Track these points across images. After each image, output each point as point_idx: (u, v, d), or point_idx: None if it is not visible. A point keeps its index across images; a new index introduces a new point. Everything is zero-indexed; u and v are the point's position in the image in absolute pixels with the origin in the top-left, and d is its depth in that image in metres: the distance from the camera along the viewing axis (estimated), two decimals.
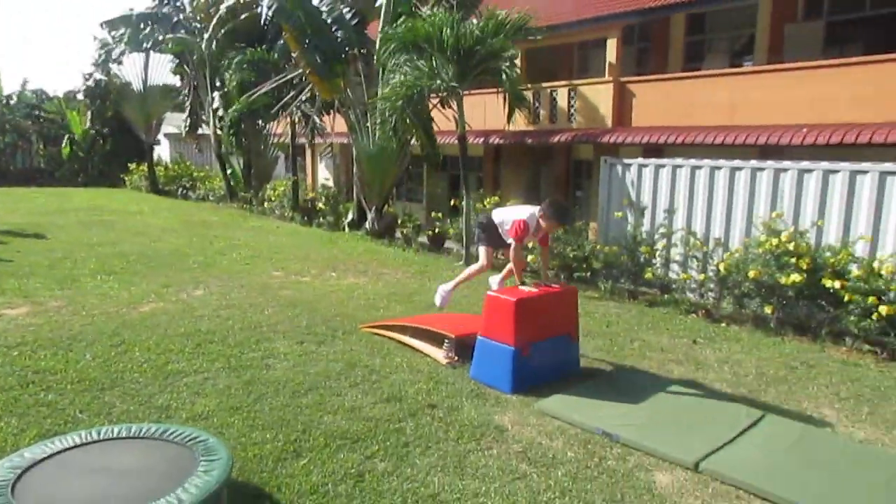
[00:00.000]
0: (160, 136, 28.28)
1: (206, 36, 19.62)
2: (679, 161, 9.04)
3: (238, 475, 3.72)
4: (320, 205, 17.07)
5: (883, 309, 6.46)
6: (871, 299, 6.60)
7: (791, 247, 7.34)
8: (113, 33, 22.91)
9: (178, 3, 22.96)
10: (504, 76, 11.32)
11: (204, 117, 23.05)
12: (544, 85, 15.19)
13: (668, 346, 6.76)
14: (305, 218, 17.01)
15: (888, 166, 7.11)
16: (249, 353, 5.98)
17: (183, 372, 5.44)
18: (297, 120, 18.13)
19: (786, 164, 8.00)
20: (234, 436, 4.24)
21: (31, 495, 3.05)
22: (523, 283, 5.67)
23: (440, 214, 13.85)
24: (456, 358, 5.84)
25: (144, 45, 22.68)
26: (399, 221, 14.63)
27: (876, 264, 6.85)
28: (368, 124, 14.26)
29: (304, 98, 16.76)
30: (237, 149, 20.23)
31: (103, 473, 3.27)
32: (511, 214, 5.63)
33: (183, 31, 21.89)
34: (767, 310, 7.55)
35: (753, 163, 8.33)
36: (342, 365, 5.73)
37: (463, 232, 11.75)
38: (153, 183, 25.79)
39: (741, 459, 4.07)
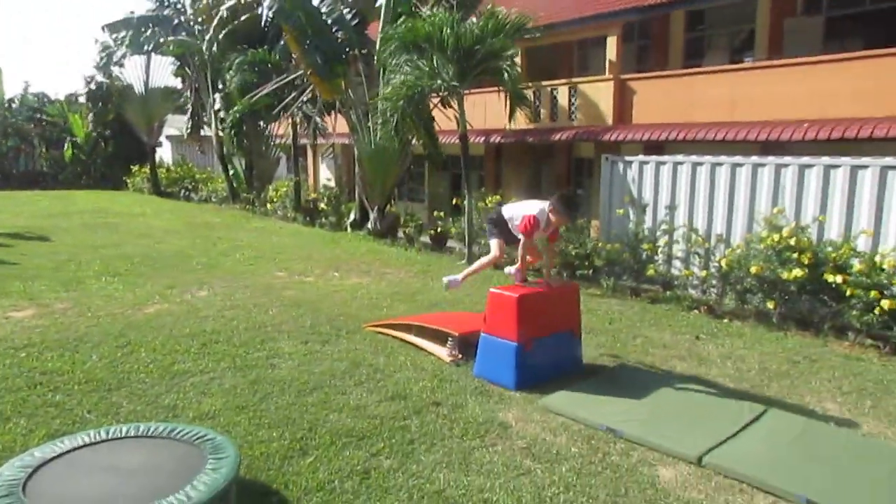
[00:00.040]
0: (162, 139, 28.35)
1: (207, 38, 19.66)
2: (680, 158, 9.06)
3: (245, 473, 3.76)
4: (322, 205, 17.12)
5: (885, 303, 6.48)
6: (873, 293, 6.63)
7: (793, 242, 7.36)
8: (114, 36, 22.96)
9: (178, 6, 23.02)
10: (505, 75, 11.35)
11: (205, 119, 23.12)
12: (545, 83, 15.22)
13: (670, 343, 6.78)
14: (308, 218, 17.06)
15: (889, 161, 7.13)
16: (254, 353, 6.02)
17: (189, 372, 5.48)
18: (298, 121, 18.17)
19: (787, 159, 8.02)
20: (240, 434, 4.28)
21: (41, 494, 3.10)
22: (525, 281, 5.70)
23: (442, 214, 13.89)
24: (459, 356, 5.87)
25: (146, 47, 22.73)
26: (401, 221, 14.67)
27: (878, 258, 6.86)
28: (370, 124, 14.30)
29: (305, 99, 16.80)
30: (239, 150, 20.29)
31: (112, 472, 3.31)
32: (520, 209, 5.56)
33: (184, 34, 21.93)
34: (770, 305, 7.57)
35: (754, 158, 8.35)
36: (347, 364, 5.77)
37: (465, 231, 11.77)
38: (155, 185, 25.87)
39: (744, 453, 4.10)
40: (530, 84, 14.48)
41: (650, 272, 8.90)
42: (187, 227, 15.46)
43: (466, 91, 11.94)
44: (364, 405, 4.84)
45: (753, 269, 7.59)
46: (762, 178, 8.13)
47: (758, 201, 8.17)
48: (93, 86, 28.38)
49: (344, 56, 14.96)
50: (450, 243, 13.34)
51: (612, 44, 14.13)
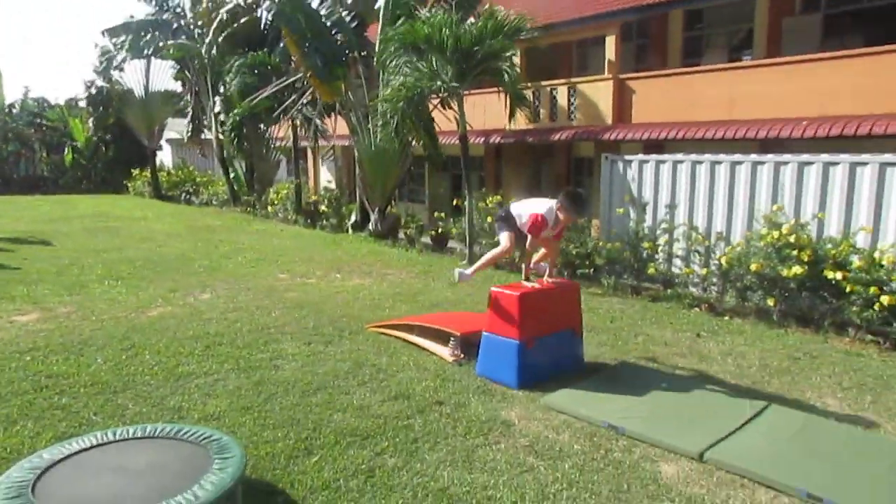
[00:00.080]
0: (162, 142, 28.43)
1: (206, 41, 19.72)
2: (679, 156, 9.10)
3: (251, 473, 3.79)
4: (323, 207, 17.16)
5: (885, 299, 6.51)
6: (872, 290, 6.66)
7: (792, 239, 7.39)
8: (114, 40, 23.04)
9: (178, 10, 23.09)
10: (505, 76, 11.38)
11: (206, 122, 23.17)
12: (544, 83, 15.26)
13: (671, 340, 6.82)
14: (309, 220, 17.11)
15: (888, 157, 7.16)
16: (258, 355, 6.06)
17: (193, 374, 5.52)
18: (298, 123, 18.23)
19: (786, 157, 8.05)
20: (245, 435, 4.32)
21: (50, 495, 3.13)
22: (527, 280, 5.74)
23: (443, 214, 13.93)
24: (462, 355, 5.90)
25: (145, 51, 22.80)
26: (402, 222, 14.71)
27: (877, 255, 6.89)
28: (370, 126, 14.35)
29: (305, 101, 16.85)
30: (239, 153, 20.34)
31: (120, 473, 3.34)
32: (528, 207, 5.48)
33: (184, 37, 21.99)
34: (770, 302, 7.60)
35: (754, 156, 8.39)
36: (350, 364, 5.80)
37: (466, 232, 11.81)
38: (156, 188, 25.94)
39: (745, 449, 4.13)
40: (529, 84, 14.52)
41: (651, 271, 8.94)
42: (189, 231, 15.50)
43: (466, 92, 11.98)
44: (368, 405, 4.88)
45: (753, 267, 7.62)
46: (761, 176, 8.16)
47: (757, 199, 8.20)
48: (93, 90, 28.45)
49: (343, 58, 15.02)
50: (451, 244, 13.38)
51: (610, 43, 14.18)
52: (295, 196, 18.21)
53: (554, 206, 5.35)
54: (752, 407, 4.82)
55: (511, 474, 3.87)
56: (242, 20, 19.14)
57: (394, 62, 12.34)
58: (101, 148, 30.23)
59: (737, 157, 8.49)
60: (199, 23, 21.33)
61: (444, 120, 13.61)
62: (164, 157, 32.59)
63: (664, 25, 15.16)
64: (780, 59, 11.89)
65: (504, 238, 5.55)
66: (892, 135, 9.36)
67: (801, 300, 7.49)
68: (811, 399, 5.18)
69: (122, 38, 22.63)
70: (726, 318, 7.81)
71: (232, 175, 22.10)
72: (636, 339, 6.86)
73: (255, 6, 19.57)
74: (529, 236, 5.46)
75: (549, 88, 15.26)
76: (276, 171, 21.78)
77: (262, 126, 19.87)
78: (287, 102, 17.09)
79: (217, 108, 21.07)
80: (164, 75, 24.69)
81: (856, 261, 6.98)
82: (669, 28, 15.13)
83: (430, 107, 13.20)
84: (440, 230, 13.48)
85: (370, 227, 14.88)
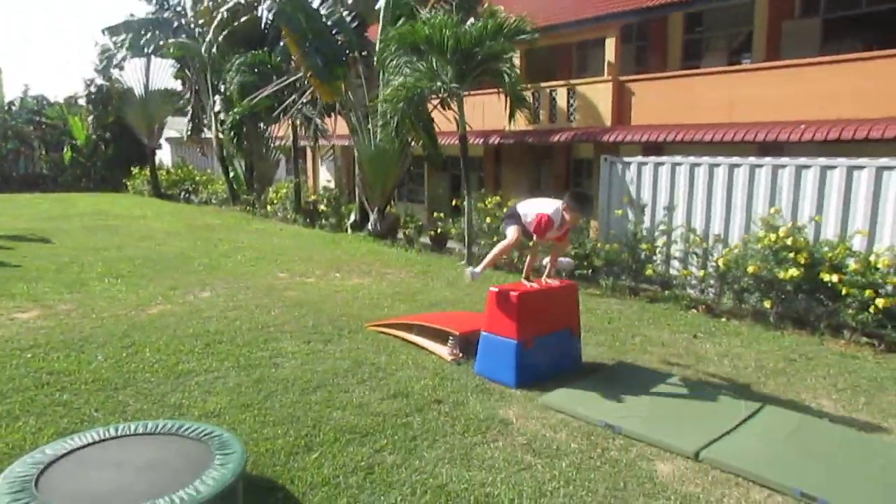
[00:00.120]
0: (162, 141, 28.45)
1: (207, 39, 19.75)
2: (678, 159, 9.15)
3: (252, 469, 3.83)
4: (322, 207, 17.20)
5: (880, 302, 6.58)
6: (868, 292, 6.71)
7: (789, 242, 7.45)
8: (114, 39, 23.05)
9: (178, 9, 23.11)
10: (505, 78, 11.43)
11: (206, 121, 23.20)
12: (543, 85, 15.30)
13: (668, 341, 6.86)
14: (308, 220, 17.15)
15: (885, 161, 7.21)
16: (258, 353, 6.09)
17: (193, 371, 5.56)
18: (298, 123, 18.27)
19: (784, 160, 8.10)
20: (246, 432, 4.35)
21: (54, 489, 3.16)
22: (528, 279, 5.77)
23: (442, 215, 13.97)
24: (460, 354, 5.95)
25: (146, 50, 22.82)
26: (401, 222, 14.76)
27: (873, 258, 6.96)
28: (370, 126, 14.39)
29: (305, 101, 16.88)
30: (239, 152, 20.37)
31: (122, 468, 3.38)
32: (534, 207, 5.49)
33: (184, 36, 22.02)
34: (767, 304, 7.66)
35: (752, 159, 8.44)
36: (349, 363, 5.84)
37: (465, 232, 11.85)
38: (155, 187, 25.95)
39: (740, 448, 4.18)
40: (529, 85, 14.57)
41: (649, 272, 8.99)
42: (188, 229, 15.53)
43: (466, 93, 12.03)
44: (367, 403, 4.92)
45: (750, 269, 7.67)
46: (759, 179, 8.21)
47: (755, 202, 8.25)
48: (93, 89, 28.47)
49: (344, 58, 15.06)
50: (450, 244, 13.42)
51: (610, 45, 14.22)
52: (294, 195, 18.24)
53: (560, 207, 5.36)
54: (748, 407, 4.86)
55: (509, 472, 3.91)
56: (243, 19, 19.16)
57: (394, 62, 12.38)
58: (101, 146, 30.22)
59: (735, 159, 8.54)
60: (200, 21, 21.34)
61: (443, 120, 13.65)
62: (164, 155, 32.61)
63: (664, 28, 15.21)
64: (780, 62, 11.95)
65: (510, 231, 5.54)
66: (890, 139, 9.41)
67: (797, 302, 7.54)
68: (806, 400, 5.23)
69: (123, 36, 22.64)
70: (723, 319, 7.86)
71: (231, 174, 22.13)
72: (634, 339, 6.91)
73: (255, 5, 19.60)
74: (535, 236, 5.47)
75: (548, 90, 15.30)
76: (275, 171, 21.81)
77: (261, 125, 19.91)
78: (287, 102, 17.13)
79: (217, 107, 21.10)
80: (164, 74, 24.77)
81: (852, 264, 7.03)
82: (669, 30, 15.18)
83: (430, 107, 13.24)
84: (439, 230, 13.52)
85: (369, 226, 14.92)
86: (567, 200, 5.34)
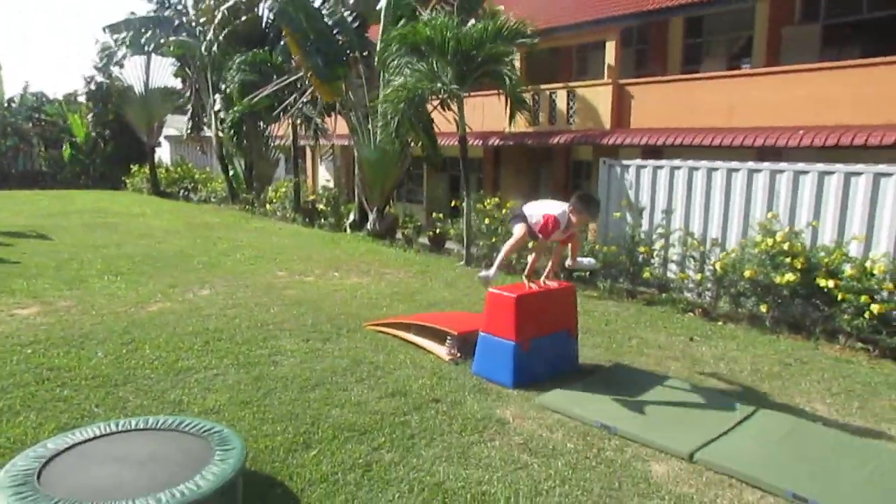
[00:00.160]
0: (161, 139, 28.47)
1: (208, 38, 19.78)
2: (677, 162, 9.20)
3: (251, 465, 3.87)
4: (321, 206, 17.23)
5: (875, 307, 6.62)
6: (863, 298, 6.76)
7: (786, 247, 7.49)
8: (115, 37, 23.07)
9: (179, 7, 23.14)
10: (506, 80, 11.47)
11: (206, 119, 23.23)
12: (543, 87, 15.36)
13: (665, 344, 6.91)
14: (307, 219, 17.18)
15: (882, 168, 7.27)
16: (257, 351, 6.13)
17: (193, 368, 5.59)
18: (298, 122, 18.30)
19: (782, 165, 8.15)
20: (245, 428, 4.39)
21: (55, 483, 3.20)
22: (528, 280, 5.80)
23: (440, 215, 14.01)
24: (458, 354, 5.99)
25: (146, 48, 22.85)
26: (400, 222, 14.79)
27: (868, 263, 7.01)
28: (370, 126, 14.42)
29: (305, 100, 16.92)
30: (239, 150, 20.40)
31: (124, 462, 3.42)
32: (541, 208, 5.46)
33: (184, 34, 22.05)
34: (763, 308, 7.71)
35: (750, 164, 8.49)
36: (347, 361, 5.88)
37: (464, 232, 11.90)
38: (155, 185, 25.96)
39: (734, 450, 4.22)
40: (529, 88, 14.62)
41: (646, 275, 9.04)
42: (187, 228, 15.56)
43: (465, 94, 12.07)
44: (365, 401, 4.96)
45: (747, 273, 7.72)
46: (757, 184, 8.27)
47: (753, 206, 8.31)
48: (92, 86, 28.49)
49: (344, 58, 15.10)
50: (448, 244, 13.46)
51: (610, 48, 14.28)
52: (293, 195, 18.27)
53: (567, 210, 5.33)
54: (742, 410, 4.91)
55: (505, 471, 3.95)
56: (243, 18, 19.20)
57: (395, 62, 12.41)
58: (100, 144, 30.22)
59: (733, 164, 8.59)
60: (202, 20, 21.37)
61: (442, 121, 13.70)
62: (163, 153, 32.59)
63: (664, 32, 15.28)
64: (780, 67, 12.01)
65: (517, 228, 5.46)
66: (888, 145, 9.47)
67: (793, 307, 7.59)
68: (800, 404, 5.28)
69: (123, 34, 22.67)
70: (720, 323, 7.91)
71: (231, 173, 22.14)
72: (630, 341, 6.96)
73: (255, 3, 19.64)
74: (540, 236, 5.43)
75: (548, 92, 15.36)
76: (275, 170, 21.83)
77: (261, 124, 19.93)
78: (287, 101, 17.16)
79: (217, 106, 21.13)
80: (164, 72, 24.79)
81: (848, 269, 7.08)
82: (670, 34, 15.25)
83: (430, 108, 13.29)
84: (438, 231, 13.56)
85: (368, 226, 14.95)
86: (574, 202, 5.32)
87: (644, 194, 9.46)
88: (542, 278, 5.92)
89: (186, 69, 23.15)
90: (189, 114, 23.84)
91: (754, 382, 5.76)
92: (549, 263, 6.03)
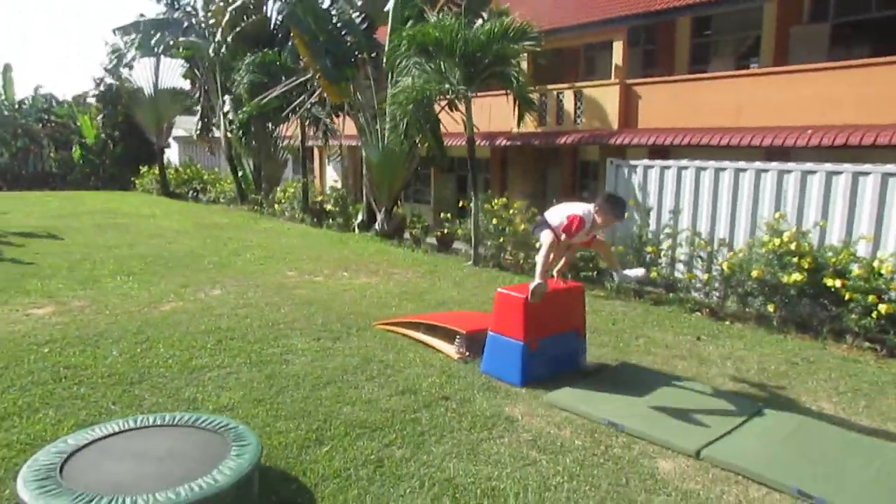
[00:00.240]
0: (170, 140, 28.67)
1: (217, 39, 19.92)
2: (684, 162, 9.23)
3: (265, 461, 3.94)
4: (330, 206, 17.34)
5: (882, 307, 6.64)
6: (871, 298, 6.78)
7: (793, 246, 7.51)
8: (125, 38, 23.27)
9: (189, 9, 23.31)
10: (514, 81, 11.53)
11: (215, 120, 23.39)
12: (550, 87, 15.40)
13: (672, 343, 6.95)
14: (315, 219, 17.29)
15: (890, 168, 7.27)
16: (269, 349, 6.22)
17: (207, 367, 5.69)
18: (307, 123, 18.40)
19: (790, 165, 8.17)
20: (258, 425, 4.47)
21: (77, 477, 3.29)
22: (554, 276, 5.81)
23: (448, 216, 14.08)
24: (467, 353, 6.06)
25: (156, 49, 23.02)
26: (408, 222, 14.87)
27: (876, 263, 7.01)
28: (378, 127, 14.51)
29: (313, 101, 17.02)
30: (247, 151, 20.52)
31: (143, 458, 3.51)
32: (564, 210, 5.37)
33: (194, 35, 22.21)
34: (770, 308, 7.73)
35: (758, 164, 8.50)
36: (358, 360, 5.96)
37: (472, 233, 11.96)
38: (164, 186, 26.14)
39: (740, 448, 4.27)
40: (536, 88, 14.66)
41: (654, 275, 9.07)
42: (197, 228, 15.69)
43: (473, 95, 12.13)
44: (376, 399, 5.04)
45: (755, 273, 7.75)
46: (765, 184, 8.28)
47: (760, 206, 8.32)
48: (102, 87, 28.72)
49: (353, 60, 15.19)
50: (456, 245, 13.53)
51: (618, 49, 14.31)
52: (302, 195, 18.38)
53: (592, 210, 5.24)
54: (749, 408, 4.96)
55: (514, 467, 4.02)
56: (251, 19, 19.33)
57: (403, 62, 12.48)
58: (110, 145, 30.48)
59: (741, 164, 8.61)
60: (211, 21, 21.52)
61: (449, 121, 13.77)
62: (172, 154, 32.83)
63: (672, 31, 15.28)
64: (787, 67, 12.00)
65: (544, 236, 5.35)
66: None
67: (800, 307, 7.61)
68: (807, 403, 5.32)
69: (133, 36, 22.85)
70: (727, 322, 7.94)
71: (240, 173, 22.28)
72: (637, 341, 7.01)
73: (263, 3, 19.76)
74: (563, 236, 5.30)
75: (555, 92, 15.40)
76: (283, 170, 21.97)
77: (270, 125, 20.06)
78: (296, 102, 17.27)
79: (226, 107, 21.24)
80: (173, 73, 25.16)
81: (855, 269, 7.10)
82: (677, 34, 15.25)
83: (437, 109, 13.35)
84: (445, 231, 13.63)
85: (376, 226, 15.04)
86: (600, 203, 5.22)
87: (651, 194, 9.49)
88: (554, 272, 5.87)
89: (195, 70, 23.33)
90: (198, 115, 24.00)
91: (761, 381, 5.80)
92: (561, 261, 6.03)
